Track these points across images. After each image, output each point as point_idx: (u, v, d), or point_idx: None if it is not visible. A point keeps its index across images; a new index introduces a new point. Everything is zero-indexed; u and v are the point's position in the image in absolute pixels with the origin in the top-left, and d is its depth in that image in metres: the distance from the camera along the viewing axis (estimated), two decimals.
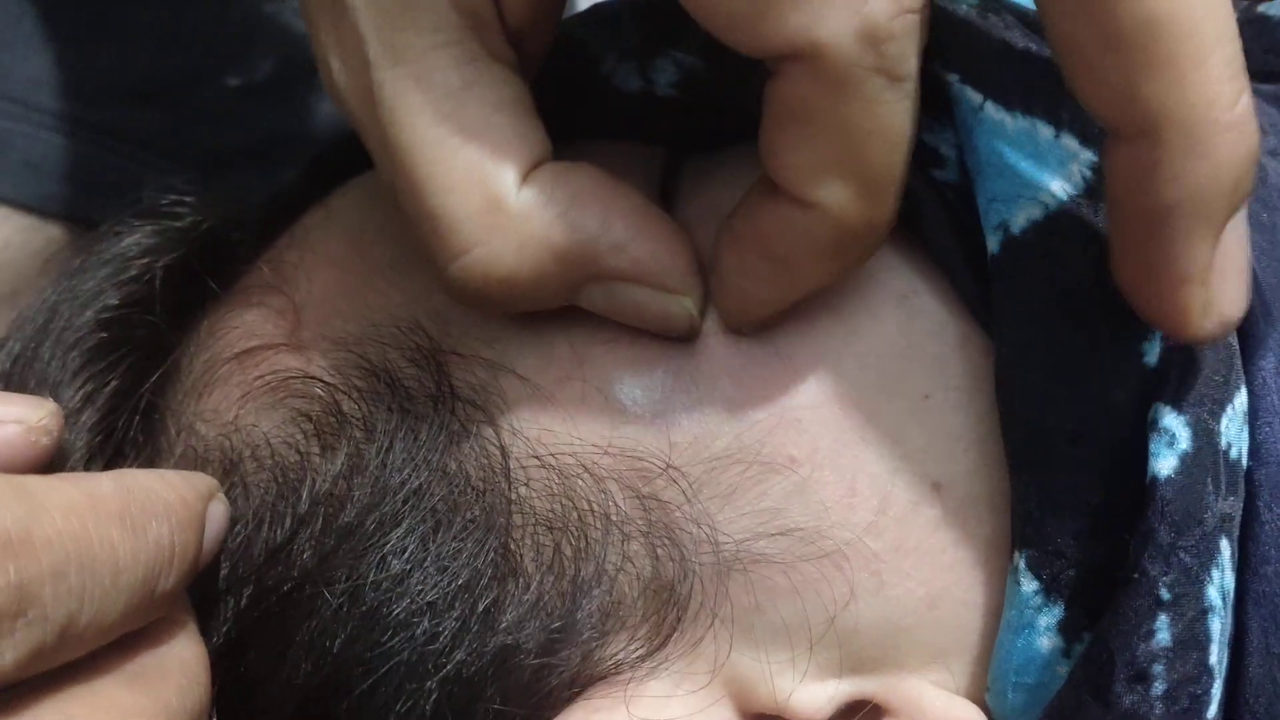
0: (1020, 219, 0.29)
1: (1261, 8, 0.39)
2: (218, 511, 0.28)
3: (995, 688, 0.29)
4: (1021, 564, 0.28)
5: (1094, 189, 0.28)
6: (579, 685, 0.29)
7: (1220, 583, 0.28)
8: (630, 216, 0.28)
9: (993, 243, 0.29)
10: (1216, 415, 0.28)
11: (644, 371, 0.29)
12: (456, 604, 0.28)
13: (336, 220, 0.34)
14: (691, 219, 0.30)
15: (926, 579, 0.29)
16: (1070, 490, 0.28)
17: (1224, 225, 0.24)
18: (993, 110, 0.29)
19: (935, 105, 0.29)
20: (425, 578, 0.29)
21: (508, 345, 0.30)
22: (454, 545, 0.29)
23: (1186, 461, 0.27)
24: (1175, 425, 0.27)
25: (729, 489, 0.29)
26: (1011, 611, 0.29)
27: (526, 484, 0.29)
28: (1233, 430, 0.28)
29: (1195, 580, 0.27)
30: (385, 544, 0.29)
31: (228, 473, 0.31)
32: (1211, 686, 0.28)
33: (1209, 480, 0.27)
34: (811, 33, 0.24)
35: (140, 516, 0.25)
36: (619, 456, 0.29)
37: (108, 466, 0.32)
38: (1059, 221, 0.28)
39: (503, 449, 0.29)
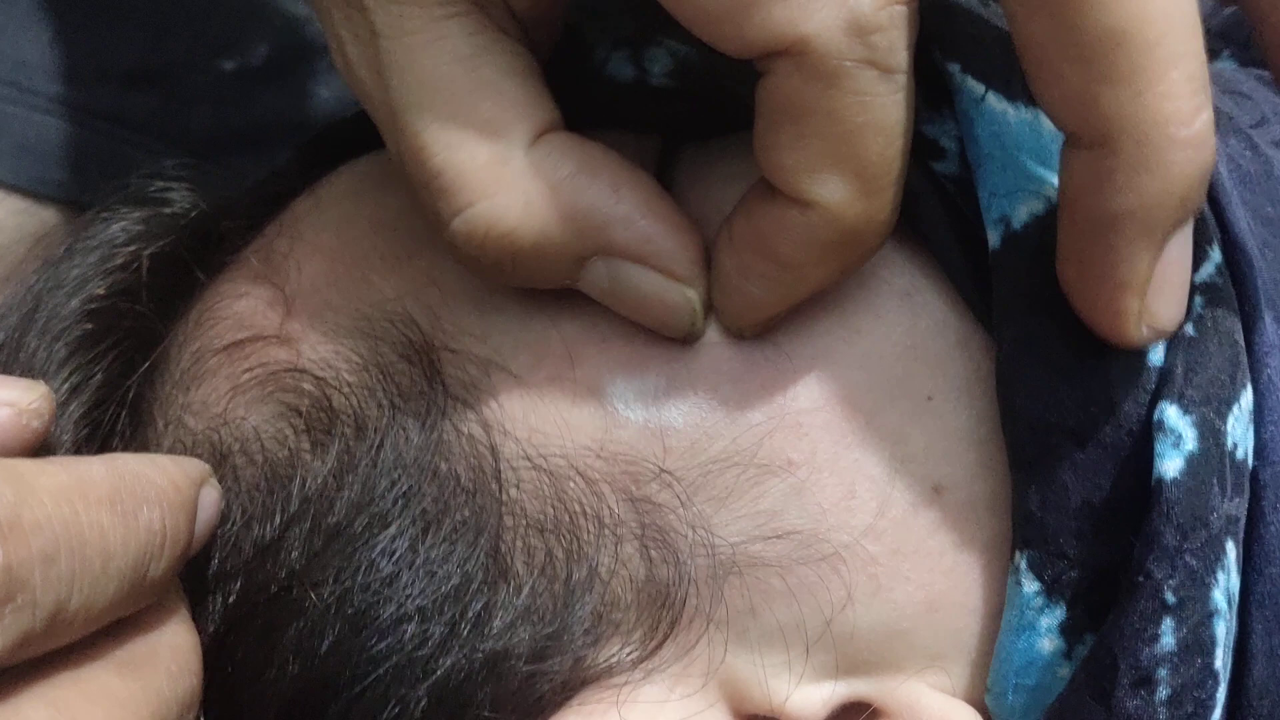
0: (1022, 212, 0.28)
1: None
2: (210, 497, 0.28)
3: (995, 689, 0.29)
4: (1023, 564, 0.28)
5: None
6: (571, 689, 0.29)
7: (1225, 586, 0.27)
8: (641, 193, 0.28)
9: (993, 237, 0.29)
10: (1223, 415, 0.27)
11: (638, 373, 0.29)
12: (446, 608, 0.28)
13: (326, 209, 0.33)
14: (690, 213, 0.30)
15: (925, 582, 0.29)
16: (1073, 489, 0.28)
17: (1168, 239, 0.25)
18: (995, 101, 0.28)
19: (936, 96, 0.29)
20: (414, 581, 0.28)
21: (500, 342, 0.30)
22: (444, 548, 0.28)
23: (1193, 463, 0.27)
24: (1181, 425, 0.27)
25: (725, 492, 0.29)
26: (1012, 612, 0.28)
27: (517, 485, 0.29)
28: (1239, 430, 0.28)
29: (1201, 584, 0.27)
30: (374, 546, 0.28)
31: (216, 467, 0.30)
32: (1216, 690, 0.28)
33: (1215, 482, 0.27)
34: (798, 27, 0.24)
35: (131, 501, 0.25)
36: (611, 459, 0.29)
37: None
38: None
39: (493, 449, 0.29)
